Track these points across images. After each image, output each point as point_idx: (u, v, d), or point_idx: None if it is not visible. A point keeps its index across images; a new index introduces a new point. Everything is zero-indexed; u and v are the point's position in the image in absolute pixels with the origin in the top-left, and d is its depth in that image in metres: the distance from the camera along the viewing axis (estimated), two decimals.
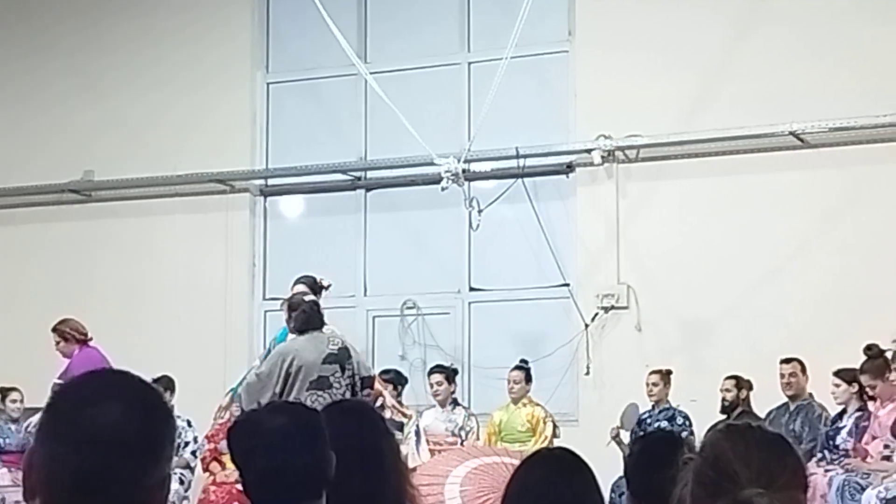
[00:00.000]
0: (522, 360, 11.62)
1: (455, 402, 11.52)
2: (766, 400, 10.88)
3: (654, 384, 11.30)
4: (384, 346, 13.17)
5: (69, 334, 10.79)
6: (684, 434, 10.50)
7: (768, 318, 11.65)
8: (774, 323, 11.59)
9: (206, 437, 11.80)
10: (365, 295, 13.40)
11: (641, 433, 10.32)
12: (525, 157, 12.55)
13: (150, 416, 2.17)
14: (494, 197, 12.62)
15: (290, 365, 8.69)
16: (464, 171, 11.88)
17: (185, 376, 12.28)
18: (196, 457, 12.01)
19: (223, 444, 11.00)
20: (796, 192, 11.80)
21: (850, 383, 10.05)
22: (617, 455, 10.13)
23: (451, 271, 13.13)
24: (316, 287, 9.94)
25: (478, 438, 11.24)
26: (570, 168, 12.80)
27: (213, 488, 11.52)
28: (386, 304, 13.27)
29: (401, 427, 10.12)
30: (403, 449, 8.80)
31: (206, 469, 11.82)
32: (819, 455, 10.03)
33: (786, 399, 10.81)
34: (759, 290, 11.80)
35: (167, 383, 12.20)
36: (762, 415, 10.73)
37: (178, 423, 12.19)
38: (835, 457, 9.95)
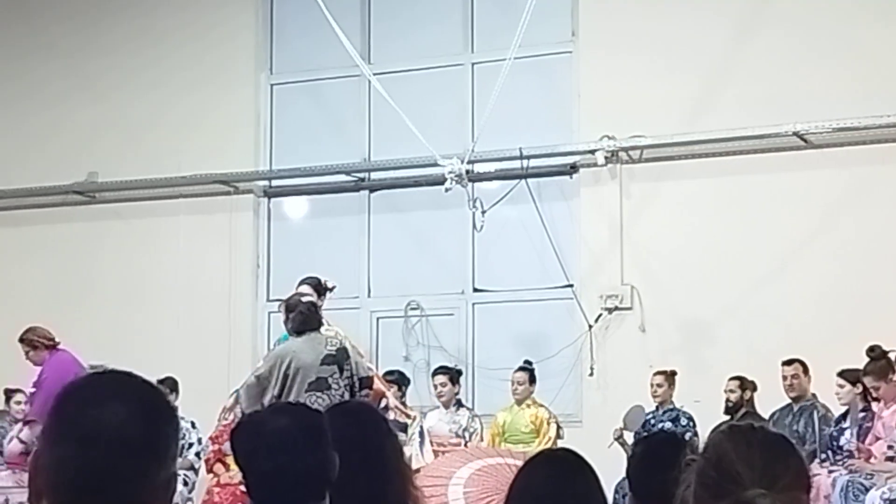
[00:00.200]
0: (526, 361, 11.62)
1: (459, 404, 11.51)
2: (769, 400, 10.87)
3: (659, 385, 11.30)
4: (388, 347, 13.17)
5: (38, 342, 10.86)
6: (688, 435, 10.50)
7: (772, 319, 11.64)
8: (778, 323, 11.58)
9: (210, 438, 11.80)
10: (369, 296, 13.40)
11: (644, 434, 10.31)
12: (528, 157, 12.55)
13: (154, 416, 2.18)
14: (498, 198, 12.62)
15: (288, 367, 8.69)
16: (467, 171, 11.88)
17: (189, 377, 12.28)
18: (200, 458, 12.02)
19: (227, 446, 10.99)
20: (800, 193, 11.80)
21: (853, 384, 10.05)
22: (620, 456, 10.11)
23: (454, 272, 13.13)
24: (321, 288, 9.94)
25: (481, 439, 11.23)
26: (573, 169, 12.80)
27: (216, 490, 11.52)
28: (390, 305, 13.28)
29: (404, 428, 10.12)
30: (407, 450, 8.82)
31: (209, 470, 11.81)
32: (823, 456, 10.02)
33: (789, 400, 10.80)
34: (762, 291, 11.80)
35: (171, 384, 12.21)
36: (766, 415, 10.72)
37: (183, 424, 12.19)
38: (838, 458, 9.94)
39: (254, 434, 3.23)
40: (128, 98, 14.16)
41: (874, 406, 10.01)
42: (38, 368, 10.91)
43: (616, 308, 12.32)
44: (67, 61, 14.45)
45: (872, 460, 9.66)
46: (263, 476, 3.15)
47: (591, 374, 12.29)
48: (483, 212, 12.21)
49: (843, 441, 10.03)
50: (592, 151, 12.39)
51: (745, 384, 11.00)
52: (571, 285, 12.58)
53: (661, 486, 3.87)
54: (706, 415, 10.85)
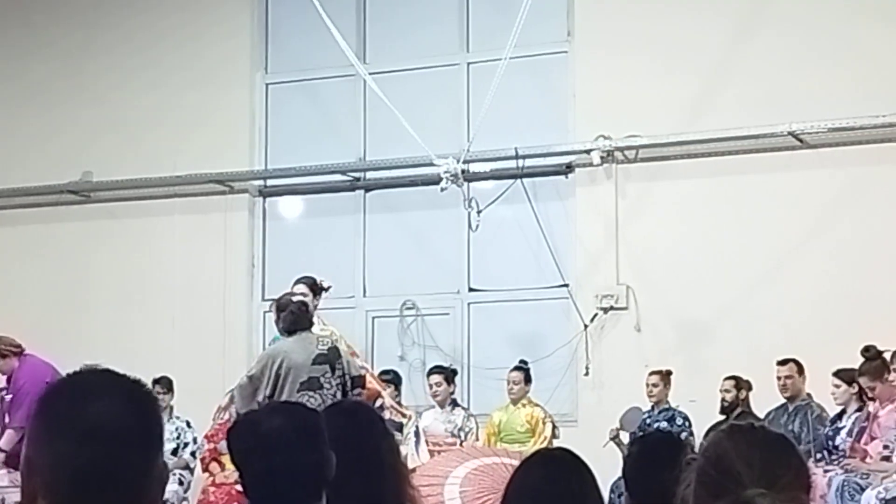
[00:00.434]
0: (522, 361, 11.62)
1: (454, 403, 11.51)
2: (765, 400, 10.88)
3: (654, 385, 11.31)
4: (383, 346, 13.16)
5: (6, 350, 10.96)
6: (684, 435, 10.51)
7: (767, 319, 11.65)
8: (773, 323, 11.59)
9: (206, 437, 11.80)
10: (364, 296, 13.39)
11: (640, 434, 10.31)
12: (524, 157, 12.55)
13: (144, 408, 2.19)
14: (494, 197, 12.62)
15: (280, 367, 8.69)
16: (463, 171, 11.87)
17: (184, 377, 12.28)
18: (195, 457, 12.00)
19: (223, 445, 10.98)
20: (795, 193, 11.80)
21: (849, 384, 10.05)
22: (616, 455, 10.12)
23: (450, 272, 13.13)
24: (316, 288, 9.94)
25: (477, 439, 11.23)
26: (569, 168, 12.80)
27: (212, 489, 11.51)
28: (385, 304, 13.27)
29: (400, 428, 10.12)
30: (403, 450, 8.80)
31: (205, 469, 11.81)
32: (818, 455, 10.03)
33: (784, 400, 10.81)
34: (758, 291, 11.80)
35: (166, 384, 12.20)
36: (761, 415, 10.73)
37: (178, 423, 12.18)
38: (834, 457, 9.95)
39: (250, 433, 3.23)
40: (122, 98, 14.14)
41: (870, 406, 10.02)
42: (4, 377, 10.99)
43: (611, 308, 12.32)
44: (63, 61, 14.43)
45: (868, 460, 9.66)
46: (260, 475, 3.14)
47: (587, 374, 12.29)
48: (479, 211, 12.20)
49: (838, 441, 10.03)
50: (588, 151, 12.39)
51: (741, 384, 11.00)
52: (567, 285, 12.58)
53: (658, 486, 3.87)
54: (702, 415, 10.86)
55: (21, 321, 13.67)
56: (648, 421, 11.20)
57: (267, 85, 14.02)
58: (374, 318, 13.34)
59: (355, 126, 13.56)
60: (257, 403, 8.42)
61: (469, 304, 13.10)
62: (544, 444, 10.73)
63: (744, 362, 11.18)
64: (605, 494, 9.05)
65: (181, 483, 11.96)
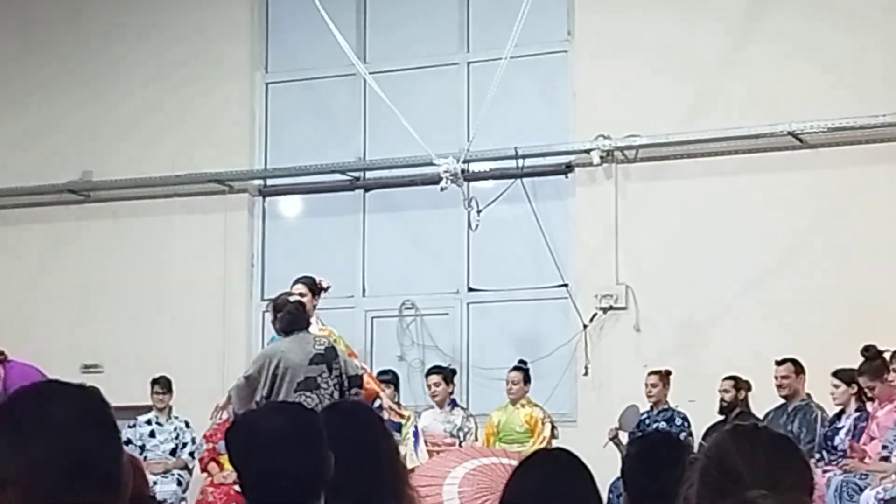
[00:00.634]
0: (521, 361, 11.61)
1: (453, 403, 11.50)
2: (765, 400, 10.87)
3: (653, 385, 11.30)
4: (383, 346, 13.16)
5: None
6: (683, 435, 10.50)
7: (766, 319, 11.65)
8: (772, 323, 11.58)
9: (205, 436, 11.82)
10: (364, 295, 13.39)
11: (639, 434, 10.31)
12: (524, 157, 12.55)
13: (96, 398, 2.25)
14: (493, 197, 12.61)
15: (277, 367, 8.68)
16: (463, 171, 11.87)
17: (183, 377, 12.29)
18: (194, 458, 12.00)
19: (221, 445, 11.00)
20: (795, 193, 11.80)
21: (848, 384, 10.05)
22: (615, 456, 10.12)
23: (449, 272, 13.13)
24: (315, 288, 9.94)
25: (476, 439, 11.23)
26: (568, 168, 12.79)
27: (210, 489, 11.53)
28: (385, 304, 13.26)
29: (399, 428, 10.11)
30: (402, 450, 8.80)
31: (203, 469, 11.82)
32: (817, 456, 10.02)
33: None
34: (757, 291, 11.80)
35: (165, 384, 12.21)
36: (760, 415, 10.72)
37: (177, 423, 12.19)
38: (833, 457, 9.94)
39: (248, 434, 3.22)
40: (122, 96, 14.14)
41: (869, 406, 10.02)
42: None
43: (611, 308, 12.32)
44: (62, 60, 14.42)
45: (867, 460, 9.66)
46: (258, 476, 3.14)
47: (586, 374, 12.28)
48: (478, 211, 12.20)
49: (837, 441, 10.03)
50: (588, 151, 12.39)
51: (740, 384, 11.00)
52: (566, 285, 12.58)
53: (657, 486, 3.87)
54: (700, 415, 10.86)
55: (19, 320, 13.69)
56: (647, 421, 11.20)
57: (267, 84, 14.01)
58: (373, 317, 13.34)
59: (355, 125, 13.56)
60: (255, 403, 8.42)
61: (468, 303, 13.10)
62: (543, 445, 10.72)
63: (743, 362, 11.18)
64: (605, 495, 9.06)
65: (180, 483, 11.95)
